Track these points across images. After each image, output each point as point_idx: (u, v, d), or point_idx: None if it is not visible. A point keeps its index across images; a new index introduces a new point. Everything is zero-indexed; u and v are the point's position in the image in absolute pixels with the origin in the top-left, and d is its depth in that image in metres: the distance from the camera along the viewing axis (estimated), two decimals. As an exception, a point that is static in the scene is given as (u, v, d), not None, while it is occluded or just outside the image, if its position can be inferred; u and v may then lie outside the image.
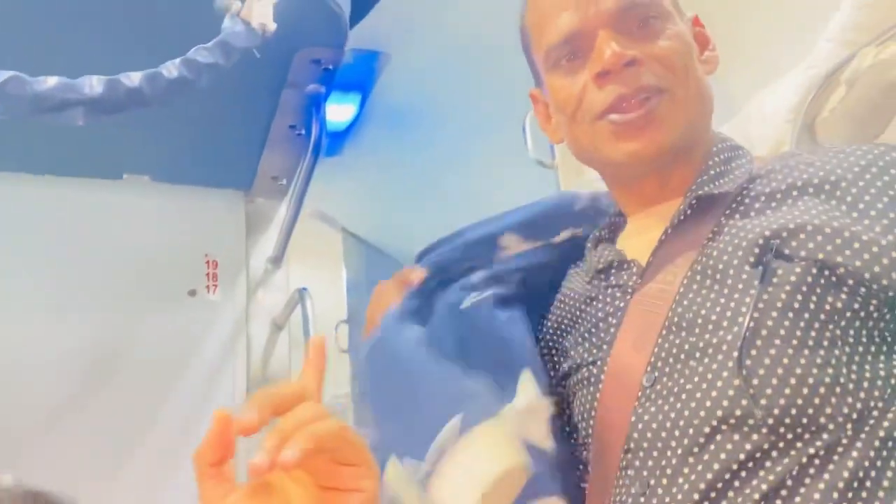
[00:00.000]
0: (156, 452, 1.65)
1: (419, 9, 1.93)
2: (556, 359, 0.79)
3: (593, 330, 0.73)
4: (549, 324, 0.82)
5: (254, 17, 1.13)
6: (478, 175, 2.71)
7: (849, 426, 0.57)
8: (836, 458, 0.56)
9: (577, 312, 0.77)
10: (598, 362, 0.70)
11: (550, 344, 0.80)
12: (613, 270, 0.74)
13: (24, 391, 1.59)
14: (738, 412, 0.58)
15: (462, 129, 2.57)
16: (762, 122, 1.74)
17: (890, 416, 0.58)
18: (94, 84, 1.02)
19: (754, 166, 0.72)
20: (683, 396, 0.61)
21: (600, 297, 0.74)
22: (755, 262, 0.62)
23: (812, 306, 0.60)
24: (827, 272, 0.60)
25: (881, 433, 0.58)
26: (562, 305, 0.81)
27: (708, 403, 0.60)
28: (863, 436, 0.57)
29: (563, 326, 0.79)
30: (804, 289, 0.60)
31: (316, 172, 1.69)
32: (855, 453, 0.57)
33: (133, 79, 1.05)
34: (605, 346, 0.70)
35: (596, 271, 0.76)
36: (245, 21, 1.13)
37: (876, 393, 0.58)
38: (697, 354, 0.62)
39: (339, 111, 2.88)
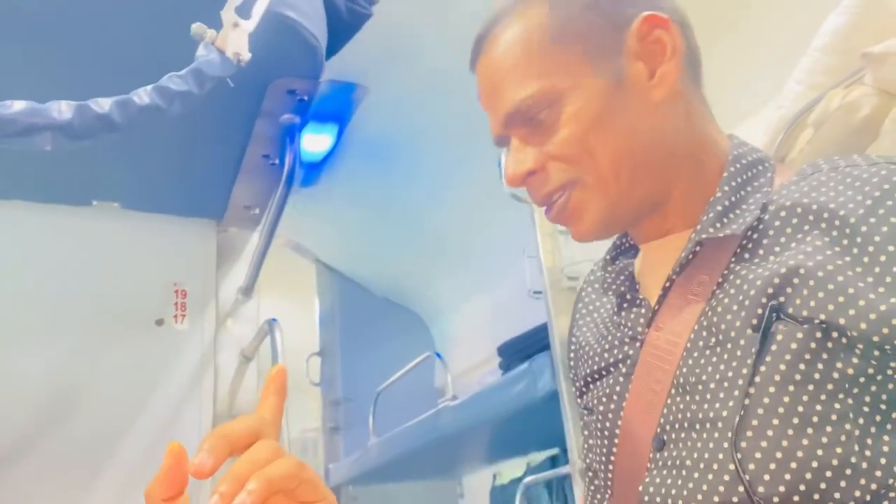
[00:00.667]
0: (119, 484, 1.61)
1: (397, 41, 1.95)
2: (579, 383, 0.77)
3: (601, 374, 0.70)
4: (574, 345, 0.80)
5: (228, 46, 1.13)
6: (454, 209, 2.72)
7: None
8: None
9: (590, 342, 0.74)
10: (611, 415, 0.67)
11: (574, 362, 0.79)
12: (626, 305, 0.70)
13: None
14: (734, 499, 0.54)
15: (439, 163, 2.58)
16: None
17: None
18: (62, 109, 1.01)
19: (772, 189, 0.64)
20: (684, 473, 0.58)
21: (609, 335, 0.71)
22: (757, 324, 0.56)
23: (817, 375, 0.53)
24: (835, 334, 0.53)
25: None
26: (577, 322, 0.79)
27: (704, 487, 0.56)
28: None
29: (581, 353, 0.77)
30: (807, 356, 0.54)
31: (291, 203, 1.68)
32: None
33: (103, 105, 1.03)
34: (615, 398, 0.67)
35: (612, 290, 0.72)
36: (220, 50, 1.12)
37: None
38: (698, 426, 0.58)
39: (315, 142, 2.88)
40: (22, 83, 1.06)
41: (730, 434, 0.54)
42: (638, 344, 0.66)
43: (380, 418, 2.94)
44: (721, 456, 0.55)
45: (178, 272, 1.78)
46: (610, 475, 0.67)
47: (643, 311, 0.68)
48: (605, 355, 0.70)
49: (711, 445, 0.56)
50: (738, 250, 0.62)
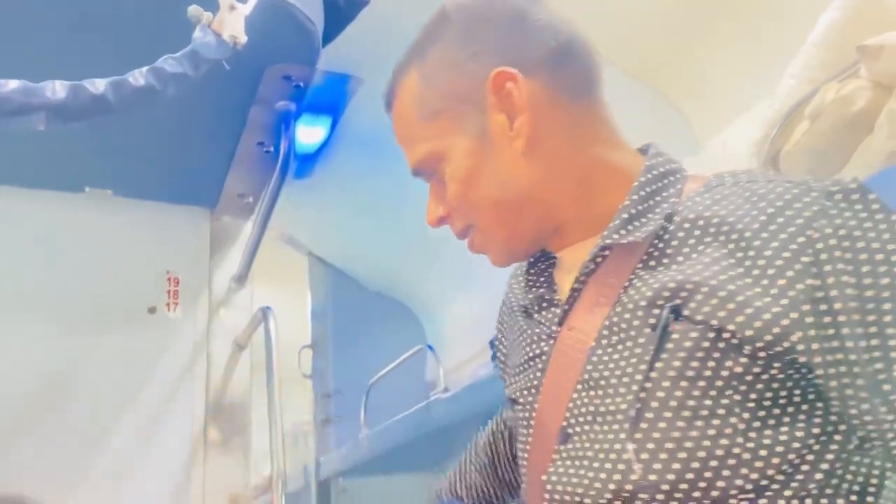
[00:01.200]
0: (112, 471, 1.60)
1: (392, 33, 1.94)
2: (505, 370, 0.81)
3: (523, 368, 0.75)
4: (498, 333, 0.86)
5: (225, 28, 1.12)
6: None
7: (748, 497, 0.55)
8: None
9: (515, 336, 0.78)
10: (529, 408, 0.71)
11: (502, 349, 0.84)
12: (545, 304, 0.74)
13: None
14: (628, 487, 0.58)
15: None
16: (726, 156, 1.78)
17: (794, 485, 0.56)
18: (57, 89, 1.00)
19: (679, 200, 0.67)
20: (586, 463, 0.62)
21: (529, 330, 0.75)
22: (655, 324, 0.60)
23: (708, 373, 0.57)
24: (726, 335, 0.57)
25: (793, 502, 0.55)
26: (504, 316, 0.84)
27: (603, 475, 0.60)
28: None
29: (504, 341, 0.83)
30: (700, 354, 0.58)
31: (284, 195, 1.67)
32: None
33: (98, 85, 1.02)
34: (533, 391, 0.71)
35: (531, 292, 0.76)
36: (216, 32, 1.12)
37: (776, 461, 0.56)
38: (600, 419, 0.62)
39: (309, 133, 2.87)
40: (16, 63, 1.05)
41: (627, 426, 0.59)
42: (552, 341, 0.70)
43: (371, 411, 2.94)
44: (618, 446, 0.59)
45: (171, 260, 1.77)
46: (525, 464, 0.71)
47: (557, 310, 0.71)
48: (527, 349, 0.74)
49: (611, 437, 0.60)
50: (645, 257, 0.65)
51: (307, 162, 3.08)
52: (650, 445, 0.57)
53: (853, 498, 0.56)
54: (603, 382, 0.62)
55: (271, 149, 1.61)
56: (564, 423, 0.65)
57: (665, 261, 0.64)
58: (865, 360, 0.54)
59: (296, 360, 3.35)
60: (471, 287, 2.97)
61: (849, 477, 0.57)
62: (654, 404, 0.58)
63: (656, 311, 0.60)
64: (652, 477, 0.57)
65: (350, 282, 3.74)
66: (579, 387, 0.64)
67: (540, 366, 0.71)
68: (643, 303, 0.62)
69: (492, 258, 0.75)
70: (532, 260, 0.78)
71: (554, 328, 0.70)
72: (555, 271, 0.76)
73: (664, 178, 0.69)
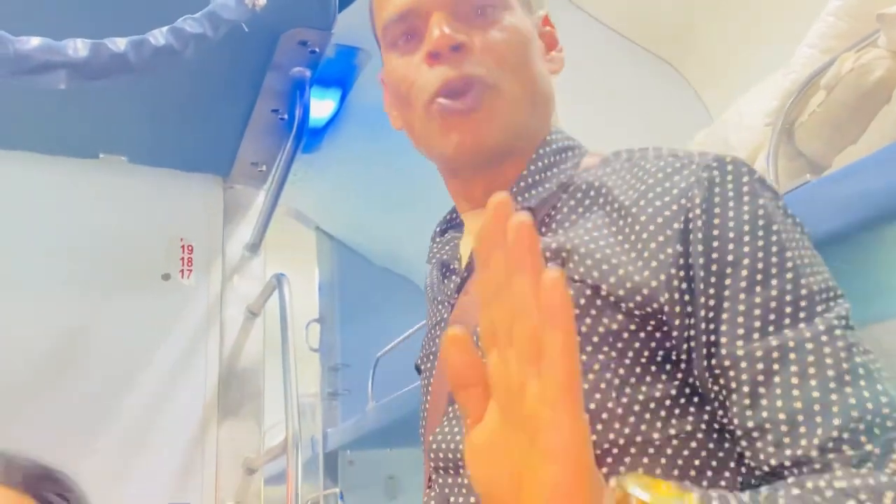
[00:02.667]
0: (125, 435, 1.62)
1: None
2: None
3: (427, 339, 0.77)
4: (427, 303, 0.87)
5: (244, -10, 1.12)
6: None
7: (615, 454, 0.56)
8: None
9: (429, 310, 0.80)
10: (427, 373, 0.73)
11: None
12: (447, 273, 0.76)
13: (-9, 370, 1.55)
14: None
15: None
16: (741, 127, 1.77)
17: (674, 443, 0.56)
18: (78, 47, 1.00)
19: (576, 172, 0.70)
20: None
21: (435, 302, 0.77)
22: None
23: (584, 329, 0.58)
24: (602, 293, 0.59)
25: (662, 461, 0.55)
26: (429, 281, 0.84)
27: None
28: (637, 466, 0.55)
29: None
30: (577, 311, 0.58)
31: (292, 169, 1.68)
32: None
33: (119, 44, 1.03)
34: (431, 357, 0.73)
35: (438, 264, 0.77)
36: (235, -7, 1.12)
37: (648, 416, 0.56)
38: None
39: (318, 107, 2.86)
40: (36, 21, 1.05)
41: None
42: (450, 308, 0.72)
43: (377, 385, 2.97)
44: None
45: (185, 227, 1.78)
46: (422, 432, 0.72)
47: (456, 278, 0.73)
48: (430, 321, 0.77)
49: None
50: (540, 225, 0.67)
51: (315, 136, 3.08)
52: None
53: (732, 464, 0.56)
54: None
55: (285, 116, 1.61)
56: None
57: (554, 226, 0.66)
58: (701, 331, 0.56)
59: (303, 334, 3.38)
60: (477, 263, 2.97)
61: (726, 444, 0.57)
62: None
63: None
64: None
65: (357, 257, 3.75)
66: None
67: (438, 332, 0.73)
68: None
69: (478, 130, 0.68)
70: (439, 229, 0.80)
71: (452, 295, 0.72)
72: (460, 241, 0.76)
73: (561, 153, 0.72)
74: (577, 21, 2.36)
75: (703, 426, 0.57)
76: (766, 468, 0.53)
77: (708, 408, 0.57)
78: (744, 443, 0.54)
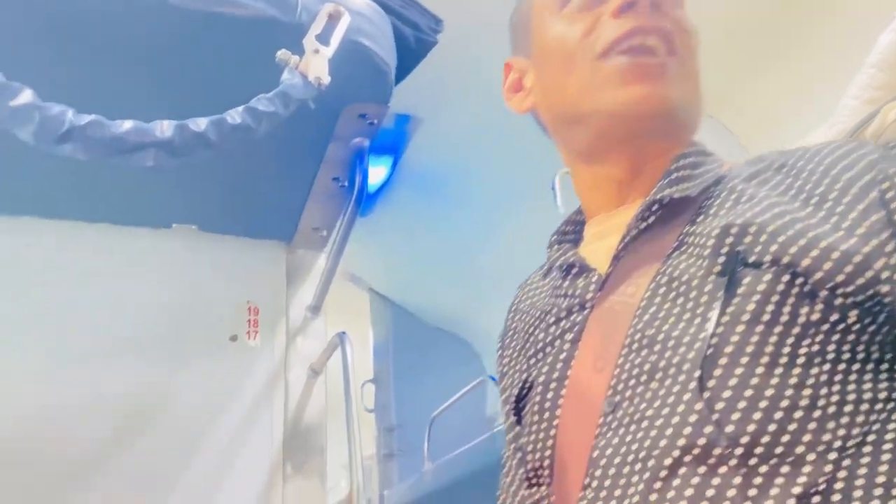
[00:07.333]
0: (196, 492, 1.67)
1: (451, 74, 2.03)
2: (510, 391, 0.72)
3: (548, 349, 0.67)
4: (505, 350, 0.77)
5: (310, 70, 1.21)
6: (506, 241, 2.77)
7: (832, 457, 0.49)
8: (818, 498, 0.48)
9: (531, 329, 0.71)
10: (554, 384, 0.64)
11: (505, 370, 0.75)
12: (571, 277, 0.69)
13: (71, 432, 1.64)
14: (700, 441, 0.51)
15: (491, 195, 2.64)
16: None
17: (888, 445, 0.50)
18: (164, 128, 1.10)
19: (723, 169, 0.66)
20: (644, 424, 0.54)
21: (555, 309, 0.68)
22: (721, 270, 0.56)
23: (784, 318, 0.53)
24: (800, 280, 0.53)
25: (880, 467, 0.49)
26: (516, 323, 0.76)
27: (668, 431, 0.53)
28: (854, 469, 0.49)
29: (515, 347, 0.74)
30: (775, 298, 0.53)
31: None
32: (840, 487, 0.48)
33: (200, 124, 1.12)
34: (560, 366, 0.64)
35: (556, 269, 0.71)
36: (302, 74, 1.21)
37: (861, 419, 0.51)
38: (658, 375, 0.55)
39: (370, 173, 2.96)
40: (125, 106, 1.16)
41: (696, 374, 0.53)
42: (586, 311, 0.65)
43: (432, 446, 2.97)
44: (686, 397, 0.53)
45: (251, 291, 1.87)
46: (548, 451, 0.63)
47: (593, 278, 0.66)
48: (551, 329, 0.67)
49: (676, 389, 0.54)
50: (693, 217, 0.62)
51: (368, 200, 3.18)
52: (726, 394, 0.51)
53: None
54: (661, 337, 0.56)
55: (345, 183, 1.70)
56: (609, 392, 0.58)
57: (721, 212, 0.60)
58: None
59: (359, 395, 3.41)
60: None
61: None
62: (728, 349, 0.53)
63: (721, 259, 0.56)
64: (729, 429, 0.50)
65: (410, 317, 3.80)
66: (625, 350, 0.58)
67: (570, 337, 0.65)
68: (705, 252, 0.57)
69: (665, 91, 0.65)
70: (554, 238, 0.76)
71: (589, 296, 0.65)
72: (578, 249, 0.72)
73: (706, 155, 0.69)
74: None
75: None
76: None
77: None
78: None
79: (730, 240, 0.56)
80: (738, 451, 0.50)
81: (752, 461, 0.50)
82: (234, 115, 1.15)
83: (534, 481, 0.65)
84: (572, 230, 0.76)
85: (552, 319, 0.68)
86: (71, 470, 1.61)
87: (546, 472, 0.63)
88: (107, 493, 1.62)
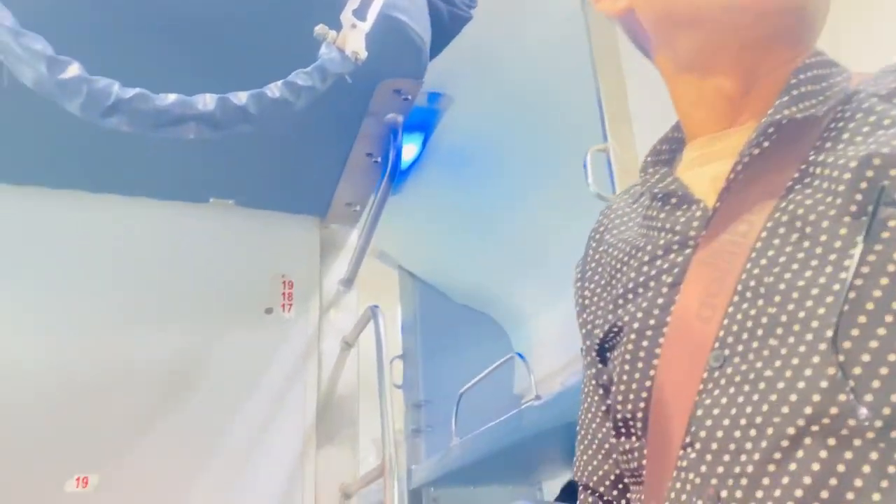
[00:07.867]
0: (230, 459, 1.72)
1: (480, 52, 2.03)
2: (592, 329, 0.65)
3: (641, 290, 0.58)
4: (585, 282, 0.69)
5: (348, 45, 1.23)
6: (533, 215, 2.77)
7: None
8: None
9: (619, 266, 0.62)
10: (650, 332, 0.56)
11: (586, 303, 0.68)
12: (669, 208, 0.59)
13: (111, 398, 1.69)
14: (833, 410, 0.44)
15: (518, 170, 2.65)
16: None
17: None
18: (207, 101, 1.12)
19: (852, 83, 0.56)
20: (761, 385, 0.47)
21: (650, 245, 0.59)
22: (858, 210, 0.47)
23: None
24: None
25: None
26: (600, 255, 0.67)
27: (793, 397, 0.45)
28: None
29: (599, 282, 0.66)
30: None
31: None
32: None
33: (241, 98, 1.15)
34: (657, 312, 0.56)
35: (652, 198, 0.61)
36: (339, 48, 1.23)
37: None
38: (779, 331, 0.47)
39: (403, 150, 2.98)
40: (168, 80, 1.18)
41: (829, 333, 0.45)
42: (688, 250, 0.56)
43: (460, 422, 3.00)
44: (816, 360, 0.45)
45: (286, 265, 1.91)
46: (641, 404, 0.56)
47: (697, 212, 0.57)
48: (644, 269, 0.59)
49: (802, 349, 0.46)
50: (820, 143, 0.53)
51: (399, 177, 3.20)
52: (865, 358, 0.44)
53: None
54: (783, 286, 0.48)
55: (379, 159, 1.72)
56: (717, 345, 0.50)
57: (845, 136, 0.52)
58: None
59: (388, 370, 3.45)
60: (557, 301, 3.01)
61: None
62: (870, 306, 0.44)
63: (859, 196, 0.47)
64: (868, 397, 0.43)
65: (438, 294, 3.83)
66: (737, 299, 0.50)
67: (669, 280, 0.56)
68: (836, 187, 0.48)
69: None
70: (650, 159, 0.66)
71: (692, 233, 0.56)
72: (676, 174, 0.62)
73: (832, 66, 0.58)
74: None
75: None
76: None
77: None
78: None
79: (871, 173, 0.46)
80: (878, 423, 0.43)
81: (894, 434, 0.43)
82: (274, 90, 1.17)
83: (622, 431, 0.59)
84: (667, 149, 0.66)
85: (646, 258, 0.59)
86: (110, 436, 1.67)
87: (639, 425, 0.57)
88: (145, 456, 1.67)
